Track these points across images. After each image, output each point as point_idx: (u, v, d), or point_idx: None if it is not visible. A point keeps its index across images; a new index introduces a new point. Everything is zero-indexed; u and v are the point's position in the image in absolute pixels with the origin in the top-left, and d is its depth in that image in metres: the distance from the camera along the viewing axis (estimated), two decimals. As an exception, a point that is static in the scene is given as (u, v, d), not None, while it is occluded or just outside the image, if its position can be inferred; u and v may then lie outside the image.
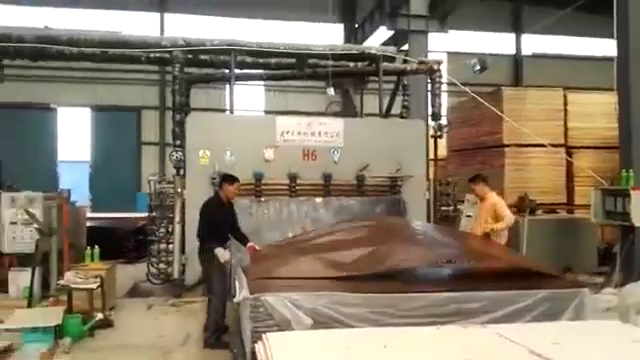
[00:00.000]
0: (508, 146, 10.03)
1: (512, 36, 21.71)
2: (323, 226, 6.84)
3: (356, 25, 16.80)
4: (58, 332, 5.47)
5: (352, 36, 16.71)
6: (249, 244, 5.91)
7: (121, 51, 8.68)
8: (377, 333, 3.38)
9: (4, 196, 7.62)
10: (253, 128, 8.23)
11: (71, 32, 8.72)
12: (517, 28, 21.47)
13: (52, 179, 17.51)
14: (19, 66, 11.06)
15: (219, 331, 5.68)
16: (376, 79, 9.88)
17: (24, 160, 16.25)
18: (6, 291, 7.40)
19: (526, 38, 21.47)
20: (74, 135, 19.02)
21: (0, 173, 10.52)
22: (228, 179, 6.05)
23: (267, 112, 19.10)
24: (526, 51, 21.73)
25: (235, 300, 4.71)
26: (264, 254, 5.72)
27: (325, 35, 17.93)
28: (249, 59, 9.74)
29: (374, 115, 10.42)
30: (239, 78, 10.29)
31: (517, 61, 21.68)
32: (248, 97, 18.22)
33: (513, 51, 21.72)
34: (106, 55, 8.86)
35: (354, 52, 9.79)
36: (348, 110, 14.52)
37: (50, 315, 5.66)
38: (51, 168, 18.39)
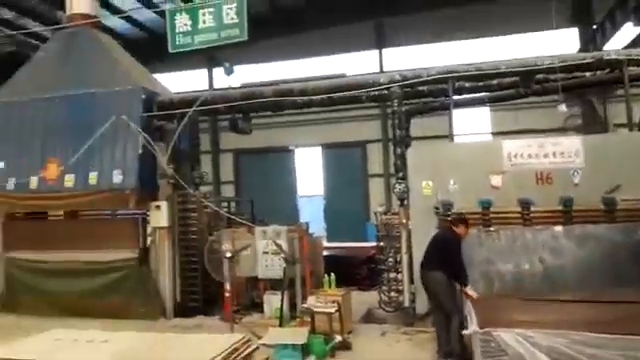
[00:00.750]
0: None
1: None
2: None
3: (594, 27, 14.92)
4: (304, 350, 6.13)
5: (590, 40, 14.87)
6: (467, 290, 5.99)
7: (344, 94, 9.36)
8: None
9: (257, 230, 8.93)
10: (476, 154, 7.93)
11: (302, 84, 9.83)
12: None
13: (294, 212, 19.73)
14: (261, 116, 12.95)
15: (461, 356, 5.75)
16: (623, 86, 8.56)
17: (270, 196, 18.61)
18: (262, 311, 8.72)
19: None
20: (309, 172, 21.22)
21: (253, 209, 12.22)
22: (465, 221, 6.47)
23: (494, 134, 18.13)
24: None
25: (465, 332, 4.80)
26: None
27: (557, 43, 16.08)
28: (468, 84, 9.52)
29: (626, 126, 8.95)
30: (459, 104, 10.06)
31: None
32: (472, 119, 17.45)
33: None
34: (331, 100, 9.65)
35: (589, 61, 8.70)
36: (592, 123, 12.80)
37: (298, 334, 6.39)
38: (292, 203, 20.77)
